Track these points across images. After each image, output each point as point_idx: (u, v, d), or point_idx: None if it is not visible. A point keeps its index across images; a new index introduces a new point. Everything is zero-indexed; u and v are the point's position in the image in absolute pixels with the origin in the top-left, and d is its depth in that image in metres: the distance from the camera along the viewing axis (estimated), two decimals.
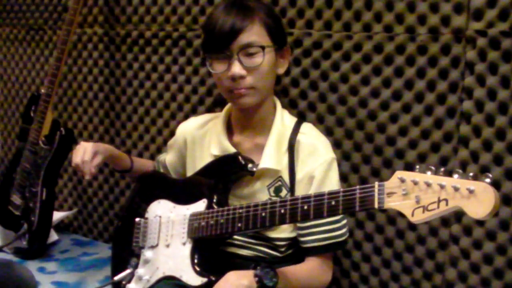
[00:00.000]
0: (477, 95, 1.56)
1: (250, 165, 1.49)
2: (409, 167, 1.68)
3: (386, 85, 1.72)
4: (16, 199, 2.27)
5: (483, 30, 1.53)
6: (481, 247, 1.59)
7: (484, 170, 1.56)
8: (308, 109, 1.87)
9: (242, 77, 1.48)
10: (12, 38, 2.72)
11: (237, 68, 1.47)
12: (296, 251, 1.57)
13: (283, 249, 1.57)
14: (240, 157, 1.51)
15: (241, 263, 1.55)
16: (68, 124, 2.52)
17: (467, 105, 1.58)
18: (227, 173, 1.53)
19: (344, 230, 1.53)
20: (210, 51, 1.52)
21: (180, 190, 1.62)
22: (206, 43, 1.54)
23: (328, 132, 1.83)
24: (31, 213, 2.20)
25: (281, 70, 1.58)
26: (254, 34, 1.47)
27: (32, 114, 2.25)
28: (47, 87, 2.19)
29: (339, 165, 1.80)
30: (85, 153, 1.65)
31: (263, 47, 1.47)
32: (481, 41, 1.53)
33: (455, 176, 1.10)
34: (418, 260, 1.72)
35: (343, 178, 1.82)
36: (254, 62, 1.48)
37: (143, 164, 1.87)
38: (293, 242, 1.57)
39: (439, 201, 1.10)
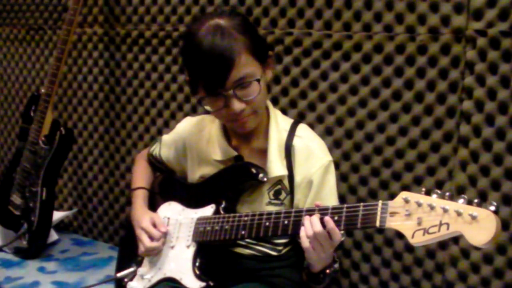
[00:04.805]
0: (477, 95, 1.56)
1: (261, 175, 1.49)
2: (409, 167, 1.69)
3: (386, 85, 1.72)
4: (16, 199, 2.27)
5: (483, 30, 1.53)
6: None
7: (484, 170, 1.57)
8: (308, 109, 1.87)
9: (241, 107, 1.44)
10: (12, 38, 2.72)
11: (236, 105, 1.42)
12: (293, 250, 1.57)
13: (280, 248, 1.57)
14: (252, 168, 1.51)
15: (240, 262, 1.55)
16: (68, 124, 2.52)
17: (467, 105, 1.58)
18: (239, 181, 1.54)
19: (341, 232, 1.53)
20: (203, 93, 1.45)
21: (191, 194, 1.62)
22: (196, 86, 1.45)
23: (328, 132, 1.83)
24: (31, 213, 2.21)
25: (269, 78, 1.53)
26: (244, 65, 1.39)
27: (32, 114, 2.25)
28: (47, 87, 2.19)
29: (339, 165, 1.81)
30: (151, 232, 1.57)
31: (258, 80, 1.42)
32: (481, 41, 1.54)
33: (460, 201, 1.10)
34: (418, 260, 1.72)
35: (343, 178, 1.82)
36: (251, 93, 1.43)
37: (150, 178, 1.84)
38: (290, 241, 1.57)
39: (440, 224, 1.11)
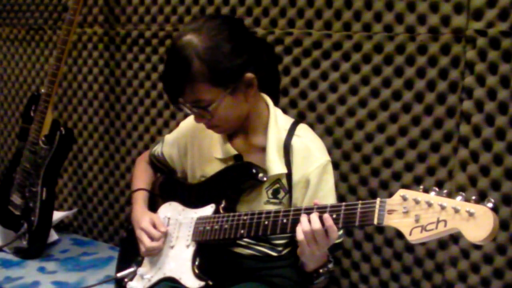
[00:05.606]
0: (477, 95, 1.56)
1: (260, 175, 1.50)
2: (409, 167, 1.69)
3: (386, 85, 1.72)
4: (16, 199, 2.27)
5: (483, 30, 1.53)
6: (481, 247, 1.59)
7: (484, 170, 1.57)
8: (308, 109, 1.87)
9: (201, 121, 1.51)
10: (12, 38, 2.72)
11: (194, 117, 1.52)
12: (293, 251, 1.57)
13: (280, 249, 1.57)
14: (252, 167, 1.51)
15: (239, 262, 1.55)
16: (68, 124, 2.52)
17: (467, 105, 1.58)
18: (239, 181, 1.54)
19: (340, 233, 1.53)
20: None
21: (191, 194, 1.63)
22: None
23: (328, 132, 1.83)
24: (31, 213, 2.21)
25: (249, 97, 1.50)
26: (196, 92, 1.43)
27: (32, 114, 2.25)
28: (47, 87, 2.19)
29: (339, 165, 1.81)
30: (150, 233, 1.58)
31: (208, 105, 1.44)
32: (481, 41, 1.54)
33: (458, 198, 1.11)
34: (418, 260, 1.72)
35: (343, 178, 1.82)
36: (206, 113, 1.47)
37: (150, 180, 1.84)
38: (290, 241, 1.57)
39: (438, 221, 1.11)
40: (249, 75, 1.46)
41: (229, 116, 1.50)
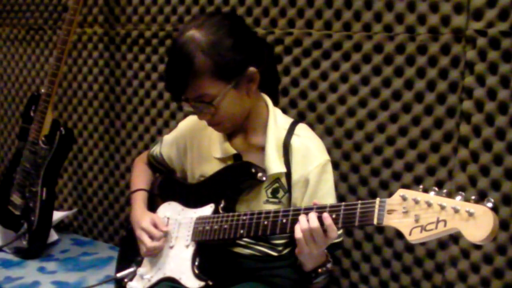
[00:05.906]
0: (477, 95, 1.56)
1: (260, 174, 1.50)
2: (409, 167, 1.69)
3: (386, 85, 1.72)
4: (16, 198, 2.27)
5: (483, 30, 1.53)
6: (481, 247, 1.59)
7: (484, 170, 1.57)
8: (308, 109, 1.87)
9: (205, 117, 1.51)
10: (12, 38, 2.72)
11: (197, 115, 1.52)
12: (293, 251, 1.57)
13: (280, 248, 1.57)
14: (251, 167, 1.51)
15: (239, 262, 1.55)
16: (68, 124, 2.52)
17: (467, 105, 1.58)
18: (238, 181, 1.54)
19: (339, 232, 1.53)
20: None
21: (191, 194, 1.62)
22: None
23: (328, 132, 1.83)
24: (31, 212, 2.21)
25: (251, 93, 1.51)
26: (200, 86, 1.44)
27: (32, 114, 2.26)
28: (47, 87, 2.20)
29: (339, 165, 1.81)
30: (151, 232, 1.58)
31: (211, 100, 1.45)
32: (481, 41, 1.54)
33: (458, 198, 1.11)
34: (418, 260, 1.72)
35: (343, 178, 1.82)
36: (209, 109, 1.47)
37: (149, 180, 1.85)
38: (290, 241, 1.57)
39: (437, 221, 1.11)
40: (252, 69, 1.47)
41: (232, 112, 1.50)
